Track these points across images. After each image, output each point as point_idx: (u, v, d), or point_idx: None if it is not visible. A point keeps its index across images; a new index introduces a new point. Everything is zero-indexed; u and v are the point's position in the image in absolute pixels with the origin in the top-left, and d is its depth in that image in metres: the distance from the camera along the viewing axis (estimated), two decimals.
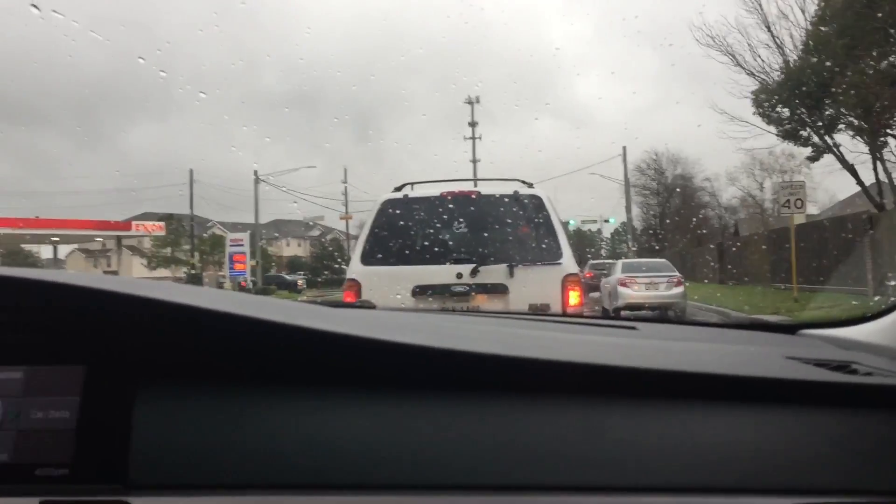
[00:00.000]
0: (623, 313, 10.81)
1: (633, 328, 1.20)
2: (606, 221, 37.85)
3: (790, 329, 1.17)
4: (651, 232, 40.56)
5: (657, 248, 38.09)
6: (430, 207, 4.00)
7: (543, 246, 3.83)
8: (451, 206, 3.96)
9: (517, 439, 0.65)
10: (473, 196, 4.02)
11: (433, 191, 4.14)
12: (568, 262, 3.84)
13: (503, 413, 0.67)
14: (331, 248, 45.07)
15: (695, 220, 37.17)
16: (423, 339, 0.73)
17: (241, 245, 24.37)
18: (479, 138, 33.87)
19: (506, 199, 3.99)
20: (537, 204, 3.96)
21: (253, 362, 0.70)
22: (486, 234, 3.92)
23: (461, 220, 3.95)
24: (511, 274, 3.75)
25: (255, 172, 27.74)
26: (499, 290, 3.75)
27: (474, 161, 33.73)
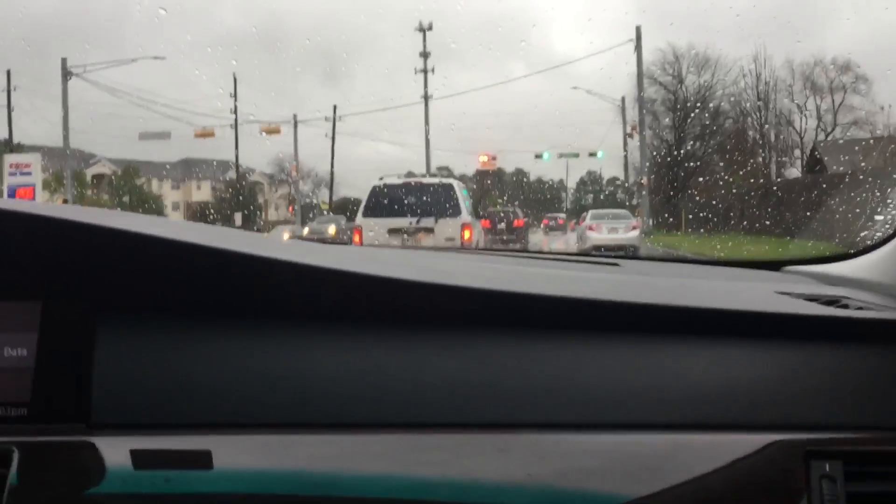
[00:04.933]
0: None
1: (615, 265, 1.47)
2: (593, 155, 35.09)
3: (774, 266, 1.43)
4: (667, 157, 33.57)
5: (675, 186, 30.82)
6: (398, 189, 10.86)
7: (452, 209, 10.23)
8: (408, 188, 10.85)
9: (499, 376, 0.79)
10: (420, 184, 11.02)
11: (399, 181, 11.32)
12: (465, 217, 10.47)
13: (486, 349, 0.81)
14: (243, 195, 42.98)
15: (725, 144, 31.47)
16: (407, 273, 0.88)
17: (28, 173, 19.31)
18: (432, 71, 37.84)
19: (433, 186, 10.82)
20: (449, 188, 10.82)
21: (220, 296, 0.83)
22: (424, 202, 10.41)
23: (412, 196, 10.59)
24: (436, 222, 10.26)
25: (63, 61, 25.03)
26: (430, 231, 10.09)
27: (426, 97, 36.78)
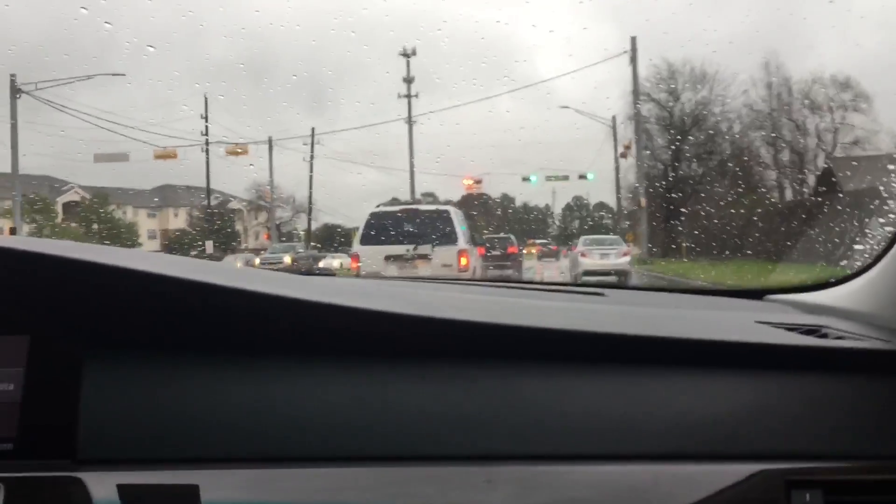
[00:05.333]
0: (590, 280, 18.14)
1: (600, 294, 1.51)
2: (583, 177, 34.43)
3: (756, 294, 1.48)
4: (663, 178, 32.69)
5: (671, 208, 29.32)
6: (395, 216, 11.31)
7: (448, 236, 10.50)
8: (405, 215, 11.24)
9: (485, 408, 0.81)
10: (417, 211, 11.43)
11: (396, 208, 11.92)
12: (461, 244, 10.75)
13: (471, 381, 0.84)
14: (219, 222, 43.11)
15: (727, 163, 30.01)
16: (392, 306, 0.90)
17: None
18: (416, 96, 38.64)
19: (430, 213, 11.24)
20: (446, 216, 11.14)
21: (207, 331, 0.84)
22: (421, 230, 10.73)
23: (409, 223, 10.91)
24: (432, 249, 10.58)
25: (12, 77, 23.46)
26: (427, 257, 10.39)
27: (409, 121, 37.52)
